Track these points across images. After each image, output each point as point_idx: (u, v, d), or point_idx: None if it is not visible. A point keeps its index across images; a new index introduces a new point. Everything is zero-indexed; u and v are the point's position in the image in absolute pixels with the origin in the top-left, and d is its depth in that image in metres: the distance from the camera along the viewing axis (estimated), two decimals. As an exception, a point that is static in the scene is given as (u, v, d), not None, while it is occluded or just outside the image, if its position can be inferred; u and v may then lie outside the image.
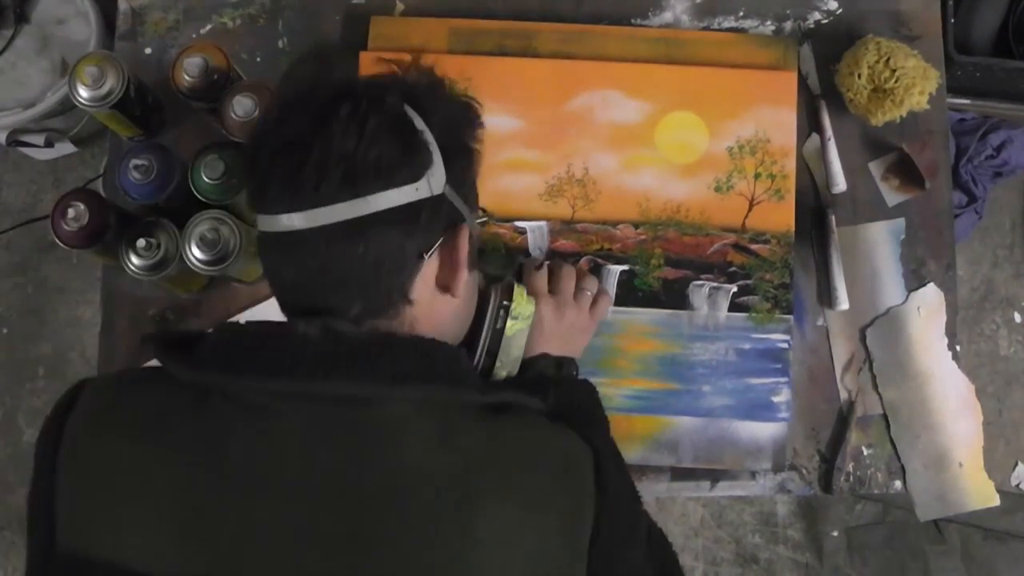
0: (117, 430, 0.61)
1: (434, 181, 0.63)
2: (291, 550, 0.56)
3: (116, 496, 0.59)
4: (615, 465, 0.67)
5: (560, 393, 0.74)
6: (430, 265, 0.65)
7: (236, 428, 0.59)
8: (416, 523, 0.56)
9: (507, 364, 0.79)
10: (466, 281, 0.68)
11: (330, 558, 0.56)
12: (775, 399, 0.97)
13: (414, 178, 0.62)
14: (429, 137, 0.63)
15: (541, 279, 0.86)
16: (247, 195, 0.66)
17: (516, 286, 0.81)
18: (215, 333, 0.63)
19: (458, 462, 0.59)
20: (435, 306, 0.66)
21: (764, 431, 0.97)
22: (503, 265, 0.94)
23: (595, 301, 0.89)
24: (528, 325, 0.80)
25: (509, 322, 0.78)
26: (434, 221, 0.63)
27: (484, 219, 0.75)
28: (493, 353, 0.78)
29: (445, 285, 0.66)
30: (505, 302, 0.79)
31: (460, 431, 0.60)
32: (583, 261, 0.99)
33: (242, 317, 1.01)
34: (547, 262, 0.90)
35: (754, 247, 0.99)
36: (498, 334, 0.78)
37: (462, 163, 0.67)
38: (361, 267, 0.61)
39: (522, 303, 0.80)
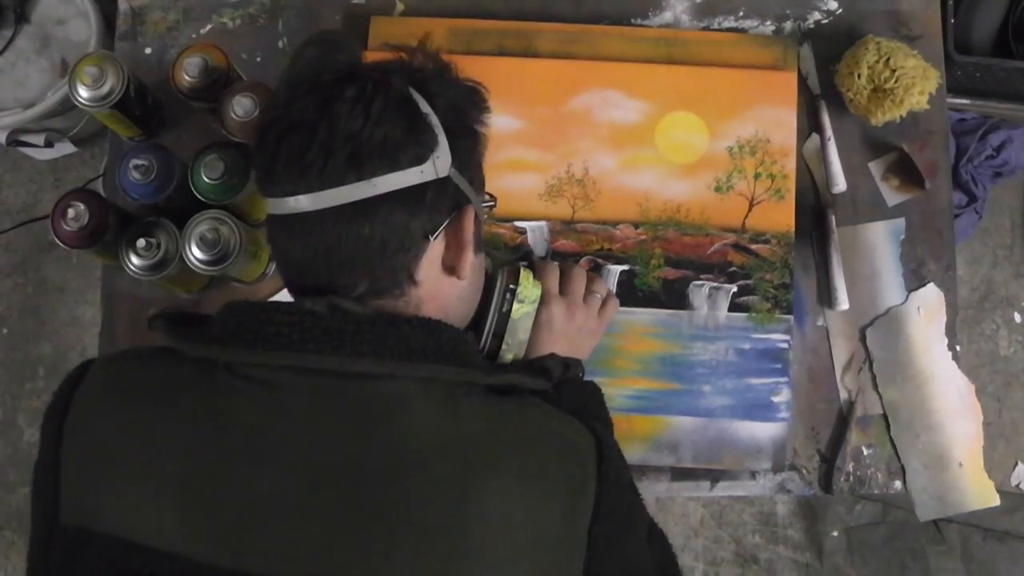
0: (122, 403, 0.62)
1: (439, 163, 0.63)
2: (293, 522, 0.56)
3: (120, 468, 0.59)
4: (617, 455, 0.67)
5: (565, 393, 0.74)
6: (436, 246, 0.65)
7: (241, 401, 0.59)
8: (417, 496, 0.57)
9: (513, 347, 0.80)
10: (472, 263, 0.68)
11: (332, 530, 0.56)
12: (775, 399, 0.97)
13: (419, 160, 0.62)
14: (434, 120, 0.63)
15: (552, 280, 0.86)
16: (255, 178, 0.66)
17: (523, 270, 0.81)
18: (223, 310, 0.63)
19: (460, 438, 0.59)
20: (441, 287, 0.67)
21: (764, 431, 0.97)
22: (510, 254, 0.95)
23: (604, 304, 0.89)
24: (534, 309, 0.80)
25: (515, 305, 0.79)
26: (440, 203, 0.64)
27: (491, 202, 0.75)
28: (499, 336, 0.79)
29: (451, 267, 0.67)
30: (512, 285, 0.79)
31: (464, 408, 0.61)
32: (583, 261, 0.99)
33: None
34: (558, 263, 0.90)
35: (754, 247, 0.99)
36: (504, 317, 0.79)
37: (468, 145, 0.67)
38: (367, 247, 0.61)
39: (528, 286, 0.80)
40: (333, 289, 0.62)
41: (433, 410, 0.60)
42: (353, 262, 0.62)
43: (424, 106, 0.63)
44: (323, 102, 0.61)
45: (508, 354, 0.80)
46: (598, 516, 0.62)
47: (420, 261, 0.64)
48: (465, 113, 0.68)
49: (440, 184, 0.63)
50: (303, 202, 0.61)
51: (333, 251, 0.61)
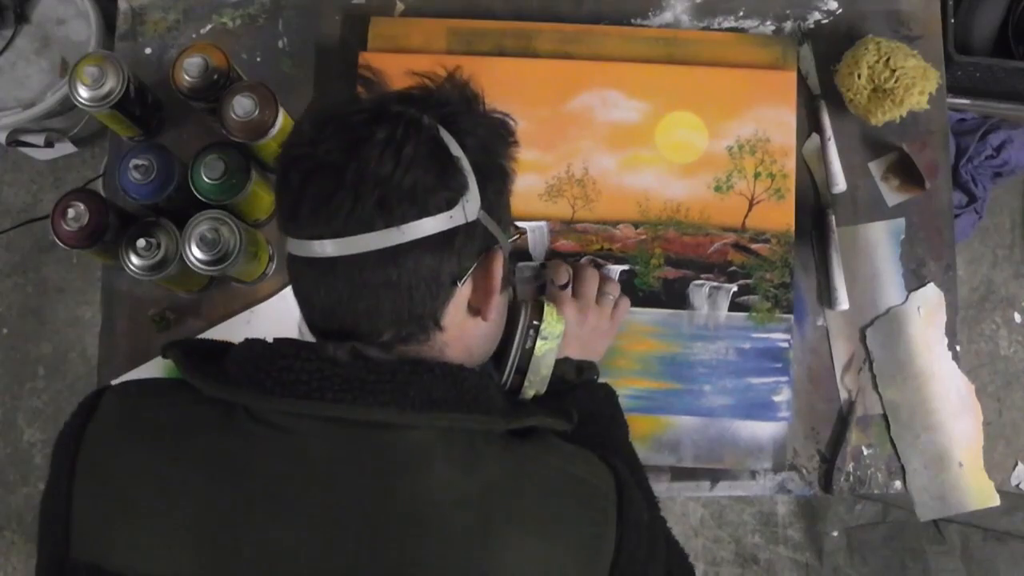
0: (140, 441, 0.60)
1: (469, 207, 0.61)
2: (310, 572, 0.56)
3: (135, 508, 0.58)
4: (636, 483, 0.66)
5: (579, 397, 0.73)
6: (463, 290, 0.63)
7: (260, 447, 0.58)
8: (436, 548, 0.56)
9: (535, 383, 0.78)
10: (498, 304, 0.66)
11: None
12: (775, 398, 0.97)
13: (449, 205, 0.60)
14: (465, 163, 0.61)
15: (564, 281, 0.85)
16: (276, 216, 0.64)
17: (546, 305, 0.79)
18: (242, 348, 0.62)
19: (480, 490, 0.58)
20: (466, 329, 0.65)
21: (764, 430, 0.97)
22: (530, 276, 0.93)
23: (616, 304, 0.88)
24: (557, 344, 0.79)
25: (539, 342, 0.77)
26: (468, 247, 0.62)
27: (516, 236, 0.73)
28: (522, 372, 0.77)
29: (477, 309, 0.65)
30: (535, 322, 0.78)
31: (484, 459, 0.60)
32: (583, 261, 0.99)
33: (242, 317, 1.01)
34: (569, 264, 0.88)
35: (754, 246, 0.99)
36: (527, 353, 0.77)
37: (496, 185, 0.65)
38: (394, 294, 0.60)
39: (552, 322, 0.79)
40: (357, 335, 0.61)
41: (453, 460, 0.59)
42: (379, 309, 0.60)
43: (455, 148, 0.61)
44: (352, 144, 0.59)
45: (530, 390, 0.78)
46: (619, 559, 0.61)
47: (447, 306, 0.62)
48: (494, 150, 0.66)
49: (469, 228, 0.61)
50: (328, 247, 0.59)
51: (358, 298, 0.60)
